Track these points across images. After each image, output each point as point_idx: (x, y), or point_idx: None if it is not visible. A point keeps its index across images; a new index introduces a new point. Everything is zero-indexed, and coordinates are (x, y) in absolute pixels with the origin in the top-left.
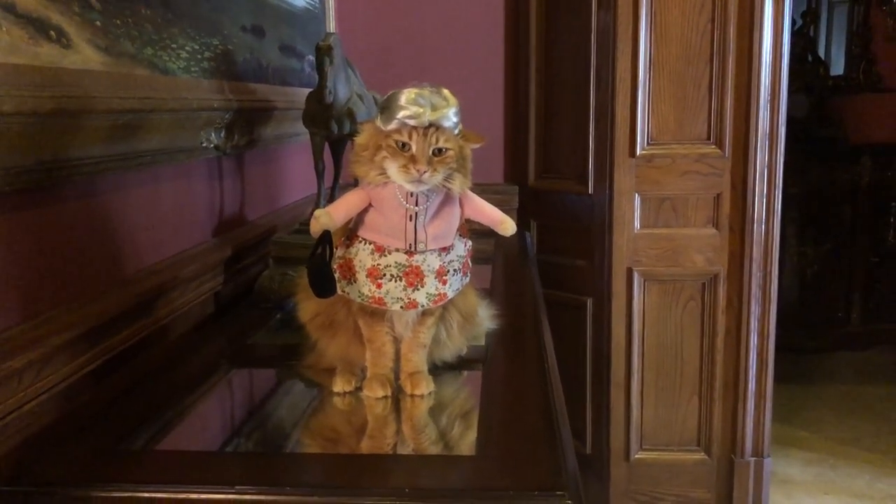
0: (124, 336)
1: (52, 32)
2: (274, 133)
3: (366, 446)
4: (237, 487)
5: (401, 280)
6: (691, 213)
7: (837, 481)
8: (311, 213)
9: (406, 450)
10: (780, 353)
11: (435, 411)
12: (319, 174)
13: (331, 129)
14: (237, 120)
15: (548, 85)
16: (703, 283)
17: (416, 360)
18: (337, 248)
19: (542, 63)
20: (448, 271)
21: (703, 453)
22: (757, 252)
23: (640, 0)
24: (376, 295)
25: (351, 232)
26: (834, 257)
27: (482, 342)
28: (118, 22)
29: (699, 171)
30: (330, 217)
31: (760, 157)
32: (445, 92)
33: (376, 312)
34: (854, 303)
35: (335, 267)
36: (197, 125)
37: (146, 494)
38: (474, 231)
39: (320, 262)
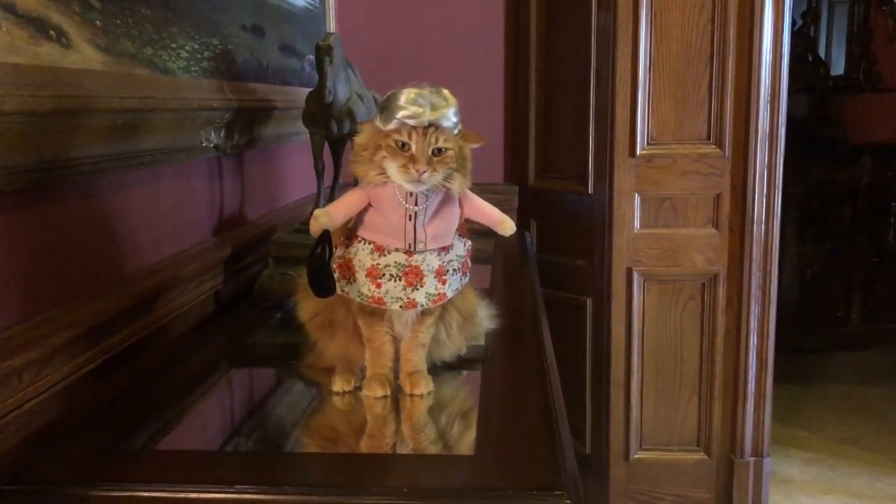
0: (124, 335)
1: (52, 32)
2: (274, 132)
3: (365, 446)
4: (237, 487)
5: (400, 280)
6: (691, 213)
7: (837, 481)
8: (311, 213)
9: (405, 449)
10: (780, 353)
11: (434, 411)
12: (319, 174)
13: (331, 129)
14: (237, 119)
15: (548, 85)
16: (703, 283)
17: (416, 359)
18: (336, 248)
19: (542, 63)
20: (447, 271)
21: (702, 453)
22: (757, 252)
23: (640, 0)
24: (376, 294)
25: (350, 232)
26: (834, 257)
27: (481, 342)
28: (118, 21)
29: (699, 171)
30: (329, 217)
31: (760, 157)
32: (445, 92)
33: (376, 312)
34: (854, 303)
35: (335, 266)
36: (197, 125)
37: (146, 494)
38: (474, 231)
39: (320, 262)
